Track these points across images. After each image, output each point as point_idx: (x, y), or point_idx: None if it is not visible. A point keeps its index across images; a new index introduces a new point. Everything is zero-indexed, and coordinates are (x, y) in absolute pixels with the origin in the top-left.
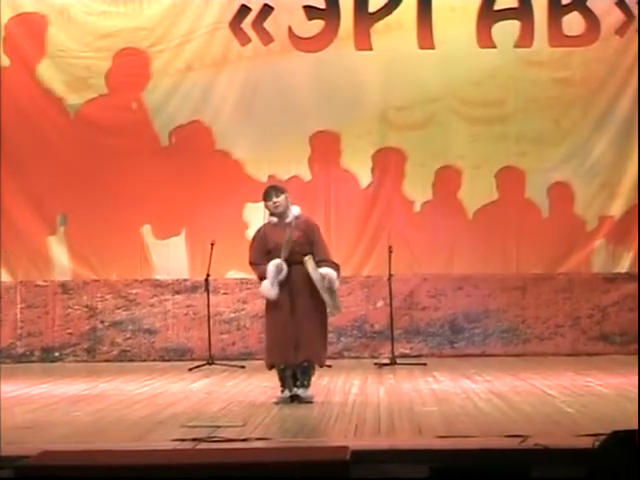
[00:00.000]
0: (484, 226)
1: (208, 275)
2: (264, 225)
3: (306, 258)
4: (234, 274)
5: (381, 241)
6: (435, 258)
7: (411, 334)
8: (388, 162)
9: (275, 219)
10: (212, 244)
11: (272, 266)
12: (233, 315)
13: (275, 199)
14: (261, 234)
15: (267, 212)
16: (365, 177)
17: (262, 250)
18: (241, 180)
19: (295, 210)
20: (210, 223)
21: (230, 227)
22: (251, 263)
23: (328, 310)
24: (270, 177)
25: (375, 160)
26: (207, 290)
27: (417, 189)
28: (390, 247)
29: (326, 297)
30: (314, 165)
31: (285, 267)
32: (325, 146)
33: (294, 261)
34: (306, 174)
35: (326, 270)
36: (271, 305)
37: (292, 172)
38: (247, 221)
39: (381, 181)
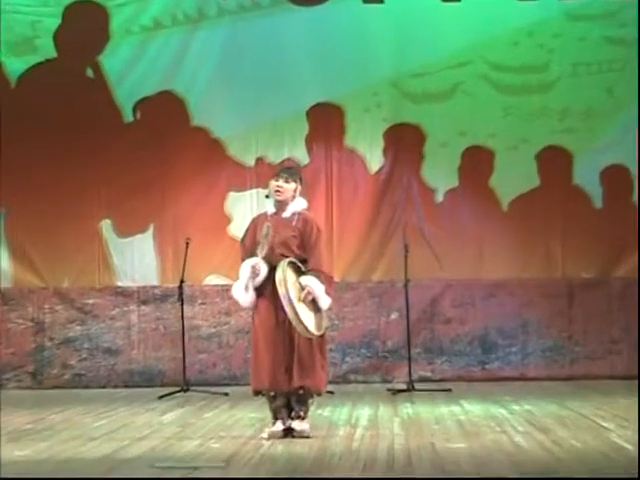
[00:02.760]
0: (521, 220)
1: (182, 281)
2: (259, 215)
3: (282, 260)
4: (214, 279)
5: (395, 239)
6: (461, 259)
7: (432, 353)
8: (403, 141)
9: (272, 209)
10: (187, 243)
11: (246, 265)
12: (213, 330)
13: (281, 183)
14: (254, 225)
15: (255, 199)
16: (375, 160)
17: (254, 245)
18: (223, 164)
19: (298, 204)
20: (184, 217)
21: (209, 221)
22: (242, 260)
23: (298, 329)
24: (258, 160)
25: (387, 139)
26: (181, 299)
27: (439, 174)
28: (406, 246)
29: (289, 312)
30: (312, 145)
31: (264, 269)
32: (325, 122)
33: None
34: (302, 156)
35: (309, 280)
36: (258, 317)
37: (285, 154)
38: (230, 214)
39: (395, 165)
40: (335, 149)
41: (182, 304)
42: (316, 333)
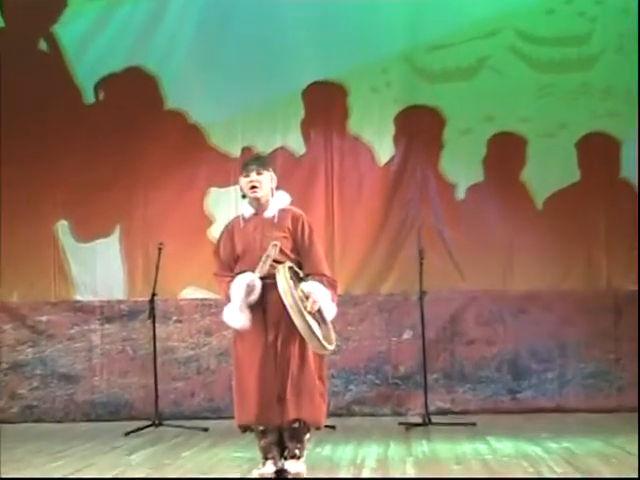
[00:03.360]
0: (559, 221)
1: (154, 294)
2: (235, 219)
3: (281, 266)
4: (193, 292)
5: (408, 244)
6: (487, 267)
7: (453, 380)
8: (418, 127)
9: (250, 209)
10: (160, 248)
11: (240, 284)
12: (191, 352)
13: (254, 176)
14: (229, 232)
15: (240, 196)
16: (384, 150)
17: (231, 256)
18: (202, 154)
19: (281, 199)
20: (157, 217)
21: (187, 223)
22: (216, 275)
23: (310, 345)
24: (245, 150)
25: (399, 124)
26: (152, 316)
27: (461, 167)
28: (421, 252)
29: (301, 325)
30: (309, 132)
31: (259, 285)
32: (325, 104)
33: (273, 275)
34: (297, 145)
35: (312, 286)
36: (242, 338)
37: (277, 142)
38: (211, 214)
39: (408, 155)
40: (336, 137)
41: (154, 322)
42: (330, 348)
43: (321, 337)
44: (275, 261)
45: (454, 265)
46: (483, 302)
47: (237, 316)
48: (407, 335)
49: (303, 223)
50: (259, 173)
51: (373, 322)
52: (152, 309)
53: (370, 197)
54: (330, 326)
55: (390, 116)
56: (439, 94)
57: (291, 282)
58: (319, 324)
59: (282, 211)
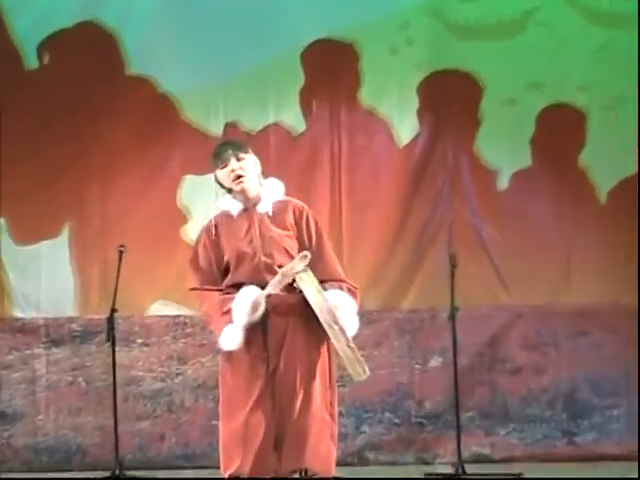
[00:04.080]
0: (628, 216)
1: (114, 310)
2: (218, 218)
3: (304, 273)
4: (163, 308)
5: (435, 247)
6: (537, 276)
7: (493, 419)
8: (448, 98)
9: (237, 205)
10: (121, 252)
11: (245, 300)
12: (161, 385)
13: (234, 163)
14: (211, 235)
15: (221, 192)
16: (406, 126)
17: (216, 266)
18: (175, 133)
19: (273, 189)
20: (117, 214)
21: (155, 220)
22: (195, 289)
23: (351, 372)
24: (229, 127)
25: (424, 94)
26: (112, 338)
27: (503, 148)
28: (453, 256)
29: (344, 349)
30: (310, 105)
31: (264, 303)
32: (331, 69)
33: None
34: (295, 121)
35: (334, 296)
36: (232, 365)
37: (269, 118)
38: (186, 208)
39: (436, 133)
40: (345, 110)
41: (113, 345)
42: (368, 373)
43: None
44: (280, 267)
45: (494, 273)
46: (531, 320)
47: (234, 337)
48: (435, 362)
49: (308, 218)
50: (239, 159)
51: (391, 346)
52: (111, 329)
53: (388, 188)
54: (354, 345)
55: (412, 84)
56: (474, 55)
57: (324, 293)
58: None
59: (279, 203)
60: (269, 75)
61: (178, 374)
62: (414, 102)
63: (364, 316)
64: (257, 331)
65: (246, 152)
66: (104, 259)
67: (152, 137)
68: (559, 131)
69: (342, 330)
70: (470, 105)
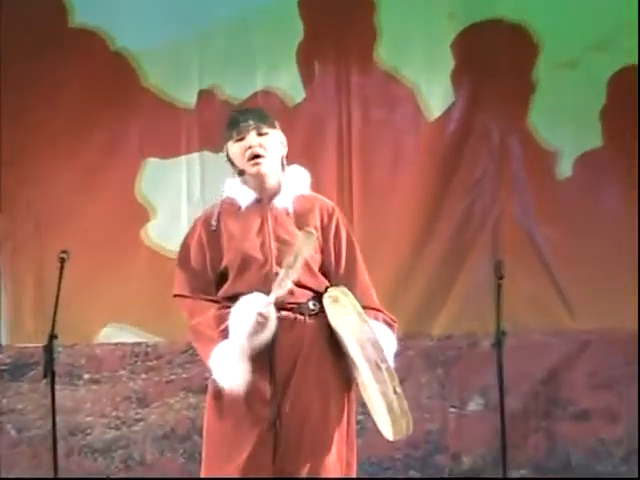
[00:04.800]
0: None
1: (53, 337)
2: (222, 206)
3: (338, 291)
4: (117, 333)
5: (476, 252)
6: (609, 293)
7: (552, 478)
8: (492, 57)
9: (249, 193)
10: (62, 259)
11: (248, 310)
12: (115, 434)
13: (254, 138)
14: (209, 226)
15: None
16: (437, 94)
17: (212, 268)
18: (134, 103)
19: (297, 179)
20: (57, 211)
21: (107, 218)
22: (183, 296)
23: (388, 429)
24: (205, 95)
25: (460, 52)
26: (50, 374)
27: (564, 123)
28: (499, 266)
29: (388, 401)
30: (311, 67)
31: (274, 317)
32: (339, 19)
33: (286, 304)
34: (291, 87)
35: (376, 330)
36: (224, 407)
37: (257, 83)
38: (147, 201)
39: (476, 103)
40: (357, 73)
41: (53, 382)
42: (409, 431)
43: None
44: (295, 283)
45: (553, 287)
46: (601, 351)
47: (237, 368)
48: (475, 405)
49: (339, 224)
50: (261, 133)
51: (418, 383)
52: (50, 361)
53: (412, 175)
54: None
55: (445, 39)
56: (527, 2)
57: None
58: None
59: (302, 199)
60: (257, 27)
61: (138, 420)
62: (447, 62)
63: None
64: (261, 357)
65: (272, 126)
66: (40, 270)
67: (103, 110)
68: (637, 102)
69: (390, 372)
70: (521, 67)
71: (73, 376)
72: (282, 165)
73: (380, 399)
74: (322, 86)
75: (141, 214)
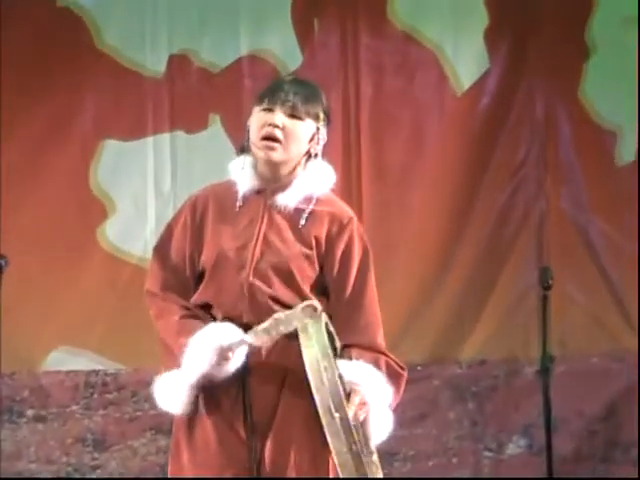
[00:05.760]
0: None
1: None
2: (213, 187)
3: (311, 321)
4: (67, 359)
5: (516, 255)
6: None
7: None
8: (536, 13)
9: (251, 179)
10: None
11: (208, 343)
12: None
13: (283, 116)
14: (195, 211)
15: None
16: (467, 60)
17: (188, 260)
18: (88, 70)
19: (316, 177)
20: None
21: (55, 215)
22: (153, 294)
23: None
24: (176, 61)
25: (496, 9)
26: None
27: (625, 96)
28: (545, 272)
29: (342, 451)
30: (309, 24)
31: (239, 351)
32: None
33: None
34: (286, 51)
35: (363, 374)
36: (193, 450)
37: (242, 46)
38: (104, 193)
39: (516, 71)
40: (367, 33)
41: None
42: None
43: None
44: (274, 300)
45: (612, 299)
46: None
47: (181, 395)
48: (516, 447)
49: (352, 240)
50: (294, 115)
51: (444, 419)
52: None
53: (436, 159)
54: (376, 459)
55: None
56: None
57: (335, 360)
58: (361, 450)
59: (314, 202)
60: None
61: (94, 467)
62: (480, 19)
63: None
64: (232, 393)
65: (312, 116)
66: None
67: (48, 79)
68: None
69: (345, 424)
70: (572, 26)
71: (13, 412)
72: (302, 159)
73: (336, 456)
74: (323, 49)
75: (97, 209)
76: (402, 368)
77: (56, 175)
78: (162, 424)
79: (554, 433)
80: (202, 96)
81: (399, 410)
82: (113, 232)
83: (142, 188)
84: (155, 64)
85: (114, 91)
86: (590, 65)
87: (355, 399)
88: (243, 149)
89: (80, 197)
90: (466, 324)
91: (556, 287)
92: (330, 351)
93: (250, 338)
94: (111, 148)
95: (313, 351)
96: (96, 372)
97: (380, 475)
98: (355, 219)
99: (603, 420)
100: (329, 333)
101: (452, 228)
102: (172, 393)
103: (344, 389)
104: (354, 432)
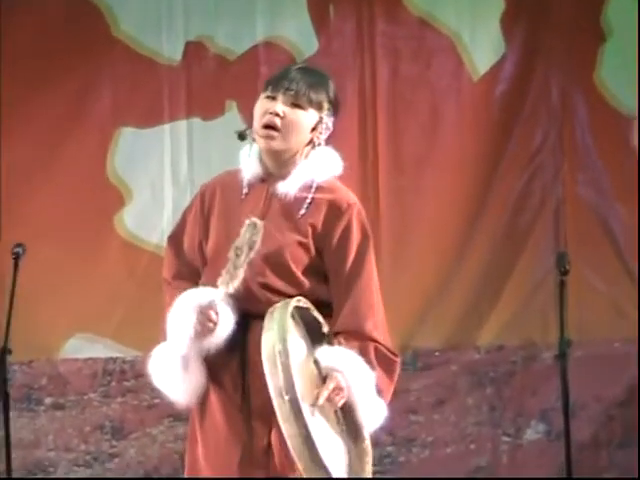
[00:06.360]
0: None
1: (6, 351)
2: (223, 177)
3: (279, 307)
4: (85, 347)
5: (533, 241)
6: None
7: None
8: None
9: (255, 167)
10: (16, 255)
11: (186, 306)
12: (84, 473)
13: (281, 106)
14: (204, 201)
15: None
16: (483, 45)
17: (197, 248)
18: (104, 57)
19: (319, 165)
20: (6, 194)
21: (71, 204)
22: (168, 282)
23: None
24: (192, 48)
25: None
26: (4, 396)
27: None
28: (562, 258)
29: (293, 433)
30: (324, 10)
31: (228, 318)
32: None
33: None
34: (302, 38)
35: (339, 357)
36: (206, 431)
37: (258, 33)
38: (121, 181)
39: (533, 55)
40: (383, 20)
41: (6, 409)
42: None
43: (331, 465)
44: (266, 287)
45: (632, 286)
46: None
47: (174, 375)
48: (534, 432)
49: (350, 225)
50: (296, 104)
51: (462, 405)
52: (3, 383)
53: (453, 145)
54: (367, 445)
55: None
56: None
57: (292, 339)
58: (348, 436)
59: (315, 189)
60: None
61: (112, 455)
62: (496, 5)
63: (417, 358)
64: (233, 372)
65: (315, 106)
66: None
67: (63, 67)
68: None
69: (295, 405)
70: (587, 10)
71: (31, 400)
72: (304, 148)
73: (286, 437)
74: (339, 36)
75: (114, 197)
76: (394, 354)
77: (73, 163)
78: (180, 412)
79: (572, 418)
80: (218, 83)
81: (419, 397)
82: (130, 220)
83: (159, 175)
84: (171, 51)
85: (131, 78)
86: (606, 49)
87: (330, 384)
88: (242, 135)
89: (97, 185)
90: (484, 310)
91: (573, 273)
92: (288, 336)
93: (221, 290)
94: (128, 135)
95: (271, 334)
96: (114, 359)
97: (369, 462)
98: (357, 206)
99: (621, 405)
100: (314, 319)
101: (469, 214)
102: (165, 369)
103: (320, 372)
104: (305, 417)
